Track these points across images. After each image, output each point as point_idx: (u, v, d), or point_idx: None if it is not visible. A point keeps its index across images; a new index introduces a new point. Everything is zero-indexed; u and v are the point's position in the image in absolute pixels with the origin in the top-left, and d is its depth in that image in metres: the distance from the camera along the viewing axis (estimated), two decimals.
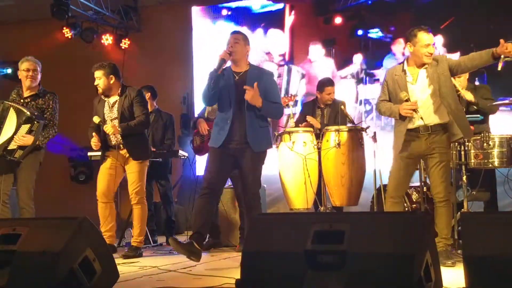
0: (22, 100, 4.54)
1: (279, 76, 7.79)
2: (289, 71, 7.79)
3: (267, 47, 7.86)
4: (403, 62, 3.90)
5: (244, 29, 7.87)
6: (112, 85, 4.56)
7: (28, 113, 4.37)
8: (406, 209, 4.65)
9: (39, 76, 4.62)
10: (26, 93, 4.60)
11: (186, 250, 3.59)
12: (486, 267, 1.87)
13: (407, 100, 3.71)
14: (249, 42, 4.03)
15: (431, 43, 3.77)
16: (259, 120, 3.90)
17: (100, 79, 4.53)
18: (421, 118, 3.73)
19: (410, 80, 3.80)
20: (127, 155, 4.56)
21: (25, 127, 4.34)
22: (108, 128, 4.43)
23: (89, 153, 5.50)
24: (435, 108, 3.76)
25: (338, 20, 7.46)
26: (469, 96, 4.53)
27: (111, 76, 4.55)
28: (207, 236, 5.13)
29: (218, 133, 3.92)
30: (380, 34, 7.25)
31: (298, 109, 6.61)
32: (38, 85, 4.66)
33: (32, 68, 4.57)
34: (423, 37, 3.75)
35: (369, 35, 7.35)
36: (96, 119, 4.51)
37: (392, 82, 3.87)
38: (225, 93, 3.89)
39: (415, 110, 3.70)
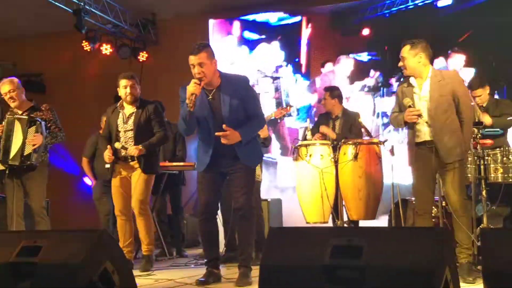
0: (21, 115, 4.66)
1: (277, 90, 7.83)
2: (287, 82, 7.86)
3: (258, 65, 7.88)
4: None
5: (263, 44, 7.97)
6: (138, 95, 4.63)
7: (28, 117, 4.55)
8: None
9: (19, 92, 4.68)
10: (21, 110, 4.70)
11: (212, 282, 3.80)
12: (506, 284, 1.86)
13: (410, 106, 3.74)
14: (213, 52, 3.73)
15: (400, 55, 3.82)
16: None
17: (133, 87, 4.56)
18: (426, 122, 3.74)
19: (416, 91, 3.83)
20: (135, 166, 4.56)
21: (32, 130, 4.53)
22: (132, 151, 4.43)
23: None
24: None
25: (355, 32, 7.50)
26: (487, 119, 4.53)
27: (139, 86, 4.65)
28: (224, 250, 5.17)
29: (203, 156, 3.83)
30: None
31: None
32: (29, 100, 4.78)
33: (7, 90, 4.64)
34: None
35: (386, 48, 7.38)
36: (117, 145, 4.51)
37: (401, 94, 3.92)
38: (201, 117, 3.74)
39: (419, 115, 3.72)
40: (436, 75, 3.82)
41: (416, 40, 3.82)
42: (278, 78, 7.88)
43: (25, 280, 2.27)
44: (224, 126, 3.64)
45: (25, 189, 4.63)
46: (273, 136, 7.54)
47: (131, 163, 4.56)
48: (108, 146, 4.53)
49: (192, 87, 3.56)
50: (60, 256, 2.29)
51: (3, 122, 4.61)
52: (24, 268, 2.29)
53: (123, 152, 4.53)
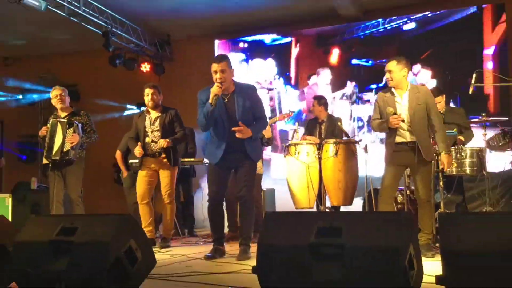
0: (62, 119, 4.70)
1: (271, 99, 7.82)
2: (279, 92, 7.84)
3: (254, 77, 7.83)
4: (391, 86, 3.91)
5: (256, 60, 7.97)
6: (159, 102, 4.66)
7: (67, 120, 4.60)
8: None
9: (66, 98, 4.80)
10: (63, 114, 4.77)
11: (218, 256, 3.82)
12: (459, 258, 1.87)
13: (394, 114, 3.73)
14: (231, 63, 3.77)
15: (385, 69, 3.80)
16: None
17: (154, 94, 4.61)
18: (409, 127, 3.74)
19: (398, 100, 3.81)
20: (164, 160, 4.58)
21: (70, 131, 4.56)
22: (162, 143, 4.48)
23: (131, 161, 5.57)
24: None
25: (335, 51, 7.52)
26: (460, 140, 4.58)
27: (161, 95, 4.67)
28: (227, 230, 5.17)
29: (215, 150, 3.82)
30: (370, 63, 7.30)
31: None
32: (70, 106, 4.83)
33: (59, 93, 4.77)
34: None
35: (361, 63, 7.39)
36: (148, 140, 4.57)
37: (382, 102, 3.88)
38: (218, 117, 3.76)
39: (402, 121, 3.71)
40: (413, 88, 3.82)
41: (399, 57, 3.82)
42: (272, 89, 7.89)
43: (63, 256, 2.28)
44: (240, 123, 3.69)
45: (65, 181, 4.64)
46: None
47: (160, 158, 4.59)
48: (139, 143, 4.58)
49: (216, 89, 3.61)
50: (93, 236, 2.29)
51: (48, 125, 4.67)
52: (63, 246, 2.30)
53: (153, 145, 4.57)
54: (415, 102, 3.74)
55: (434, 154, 4.01)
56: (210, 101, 3.62)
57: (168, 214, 4.66)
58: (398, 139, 3.78)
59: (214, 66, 3.68)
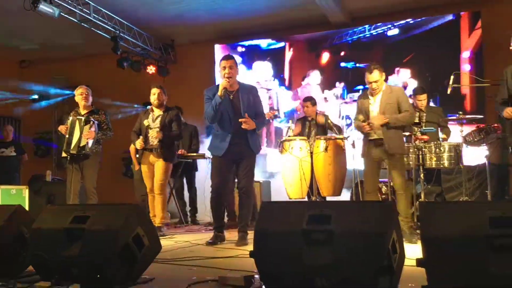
0: (81, 116, 4.67)
1: (270, 98, 7.83)
2: (277, 92, 7.85)
3: (255, 78, 7.82)
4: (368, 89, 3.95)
5: (257, 63, 7.95)
6: (163, 102, 4.65)
7: (84, 117, 4.61)
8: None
9: (90, 97, 4.81)
10: (83, 111, 4.75)
11: (218, 242, 3.83)
12: (437, 243, 1.89)
13: (365, 121, 3.79)
14: (237, 63, 3.88)
15: (371, 81, 3.78)
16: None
17: (160, 94, 4.63)
18: (375, 133, 3.80)
19: (371, 103, 3.86)
20: (159, 156, 4.57)
21: (87, 127, 4.57)
22: (153, 132, 4.52)
23: (137, 155, 5.54)
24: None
25: (326, 55, 7.52)
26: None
27: (166, 96, 4.65)
28: (226, 219, 5.18)
29: (220, 143, 3.81)
30: (357, 65, 7.30)
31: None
32: (91, 105, 4.81)
33: (84, 92, 4.79)
34: (367, 76, 3.80)
35: (349, 66, 7.39)
36: (146, 122, 4.60)
37: (361, 104, 3.95)
38: (224, 111, 3.78)
39: (371, 128, 3.78)
40: (387, 89, 3.85)
41: (376, 65, 3.82)
42: (270, 89, 7.90)
43: (76, 242, 2.27)
44: (246, 115, 3.72)
45: (82, 173, 4.64)
46: (264, 133, 7.58)
47: (155, 153, 4.59)
48: (141, 137, 4.60)
49: (224, 82, 3.69)
50: (104, 223, 2.29)
51: (67, 122, 4.66)
52: (76, 232, 2.29)
53: (151, 141, 4.58)
54: (386, 102, 3.80)
55: (410, 148, 4.05)
56: (219, 93, 3.67)
57: (160, 204, 4.63)
58: (370, 136, 3.85)
59: (223, 63, 3.75)
